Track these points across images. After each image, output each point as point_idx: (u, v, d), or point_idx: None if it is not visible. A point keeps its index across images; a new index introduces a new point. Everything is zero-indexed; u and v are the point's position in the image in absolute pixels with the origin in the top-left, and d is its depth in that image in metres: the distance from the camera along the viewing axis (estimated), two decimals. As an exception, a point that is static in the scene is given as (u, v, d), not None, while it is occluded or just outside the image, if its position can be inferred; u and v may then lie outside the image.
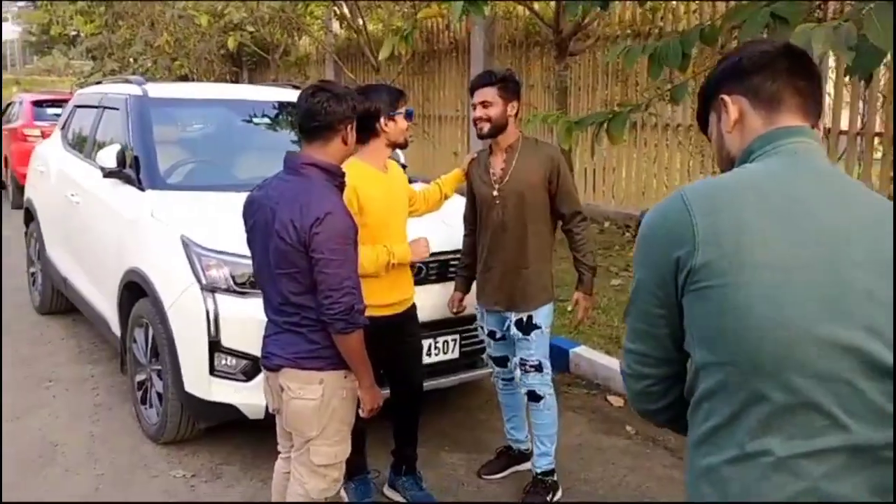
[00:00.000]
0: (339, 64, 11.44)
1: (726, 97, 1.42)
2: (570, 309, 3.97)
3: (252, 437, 3.91)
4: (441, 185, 3.63)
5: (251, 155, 4.81)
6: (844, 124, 6.51)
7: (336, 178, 2.65)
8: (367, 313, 2.99)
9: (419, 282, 3.48)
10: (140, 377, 4.11)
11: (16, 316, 6.14)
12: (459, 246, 3.72)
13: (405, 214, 3.36)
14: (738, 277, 1.20)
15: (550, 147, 3.48)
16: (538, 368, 3.39)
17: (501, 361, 3.58)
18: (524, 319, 3.37)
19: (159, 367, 3.86)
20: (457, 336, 3.92)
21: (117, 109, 5.01)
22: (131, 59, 15.49)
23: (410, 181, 3.67)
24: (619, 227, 8.29)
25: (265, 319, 2.72)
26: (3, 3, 28.19)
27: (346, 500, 3.37)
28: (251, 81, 15.57)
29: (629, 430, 4.19)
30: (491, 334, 3.54)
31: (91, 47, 17.45)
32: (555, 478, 3.51)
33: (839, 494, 1.18)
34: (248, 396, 3.50)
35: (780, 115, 1.38)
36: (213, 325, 3.51)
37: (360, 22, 9.31)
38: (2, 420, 4.11)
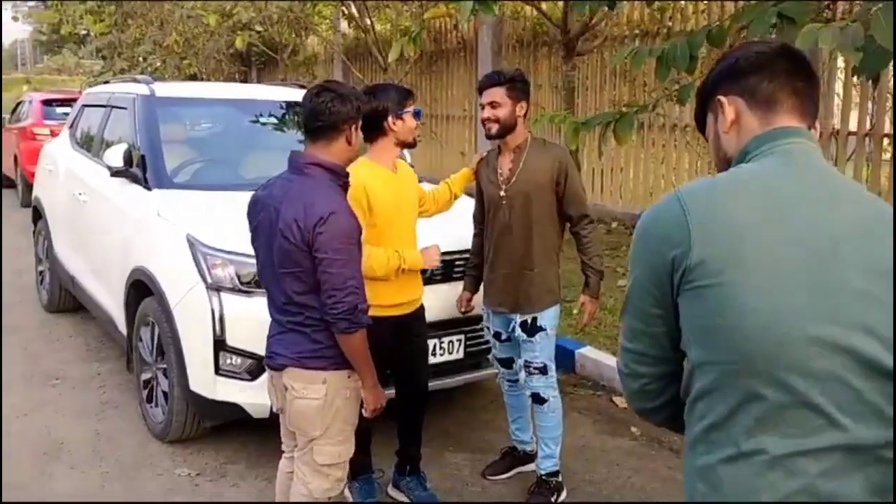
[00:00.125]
0: (347, 64, 11.46)
1: (723, 98, 1.43)
2: (575, 312, 3.96)
3: (257, 436, 3.92)
4: (450, 185, 3.62)
5: (258, 154, 4.82)
6: (853, 125, 6.48)
7: (340, 177, 2.65)
8: (376, 313, 3.01)
9: (425, 282, 3.48)
10: (146, 376, 4.13)
11: (24, 314, 6.17)
12: (465, 246, 3.71)
13: (415, 214, 3.35)
14: (732, 276, 1.20)
15: (559, 148, 3.46)
16: (543, 371, 3.38)
17: (507, 363, 3.58)
18: (529, 321, 3.36)
19: (165, 366, 3.87)
20: (462, 336, 3.92)
21: (125, 109, 5.03)
22: (141, 59, 15.55)
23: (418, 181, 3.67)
24: (626, 227, 8.27)
25: (270, 319, 2.73)
26: (15, 2, 28.34)
27: (351, 499, 3.38)
28: (260, 81, 15.60)
29: (634, 431, 4.18)
30: (496, 335, 3.54)
31: (100, 47, 17.52)
32: (559, 479, 3.51)
33: (836, 493, 1.18)
34: (253, 396, 3.50)
35: (776, 115, 1.38)
36: (219, 324, 3.52)
37: (368, 22, 9.32)
38: (1, 419, 4.12)
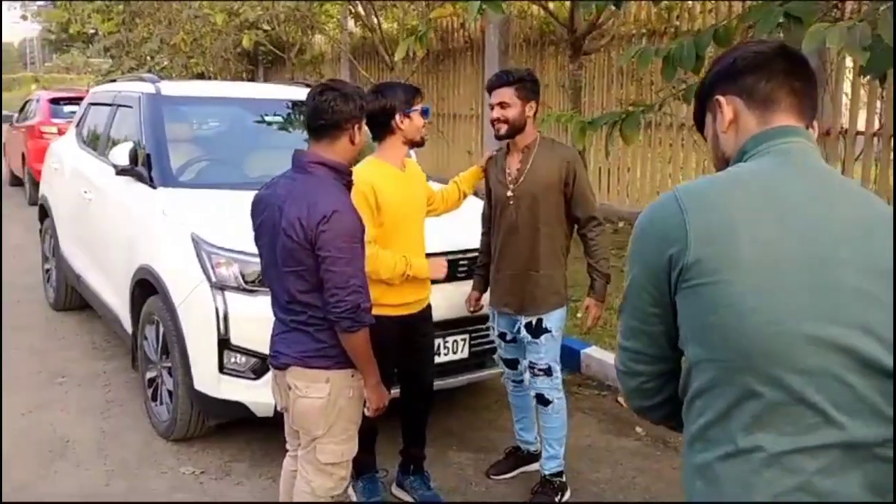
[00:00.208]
0: (354, 63, 11.46)
1: (721, 98, 1.43)
2: (578, 315, 3.95)
3: (261, 434, 3.92)
4: (459, 184, 3.61)
5: (263, 153, 4.82)
6: (861, 125, 6.44)
7: (344, 176, 2.64)
8: (383, 312, 3.03)
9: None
10: (151, 374, 4.14)
11: (31, 312, 6.19)
12: (469, 246, 3.70)
13: (422, 214, 3.34)
14: (729, 275, 1.21)
15: (567, 149, 3.43)
16: (547, 372, 3.37)
17: (512, 364, 3.57)
18: (534, 322, 3.35)
19: (170, 365, 3.87)
20: (466, 336, 3.91)
21: (131, 107, 5.04)
22: (149, 58, 15.58)
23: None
24: (633, 227, 8.24)
25: (274, 318, 2.72)
26: (24, 1, 28.42)
27: (355, 498, 3.38)
28: (267, 80, 15.62)
29: (639, 432, 4.17)
30: (501, 336, 3.52)
31: (108, 46, 17.56)
32: (563, 479, 3.50)
33: (833, 491, 1.18)
34: (257, 394, 3.50)
35: (774, 115, 1.38)
36: (223, 322, 3.52)
37: (375, 21, 9.31)
38: (2, 419, 4.13)
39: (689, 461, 1.31)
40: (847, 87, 6.51)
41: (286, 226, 2.50)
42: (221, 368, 3.55)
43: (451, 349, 3.87)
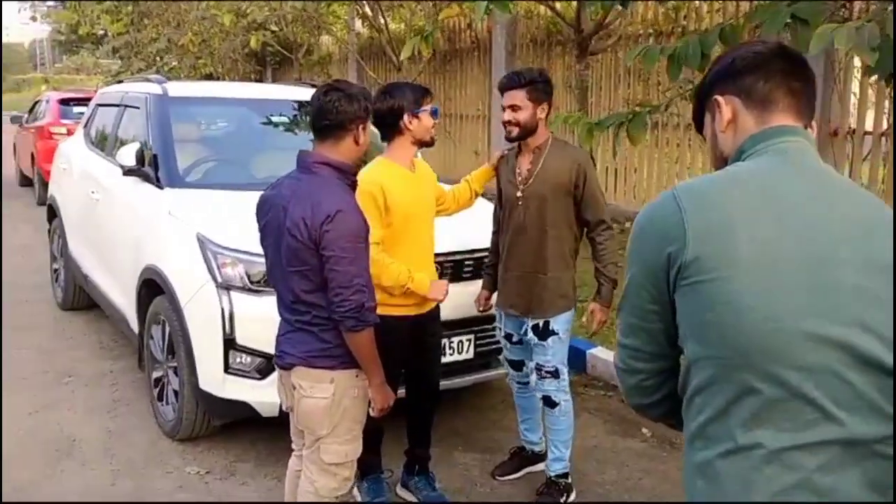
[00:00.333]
0: (361, 63, 11.47)
1: (719, 97, 1.44)
2: (584, 319, 3.94)
3: (267, 434, 3.93)
4: (471, 182, 3.59)
5: (269, 154, 4.83)
6: (869, 125, 6.41)
7: (348, 176, 2.65)
8: (391, 312, 3.03)
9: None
10: (157, 374, 4.15)
11: (39, 311, 6.22)
12: (473, 246, 3.70)
13: (432, 214, 3.32)
14: (727, 272, 1.22)
15: (579, 151, 3.40)
16: (554, 374, 3.35)
17: (517, 365, 3.56)
18: (541, 325, 3.33)
19: (175, 364, 3.88)
20: (471, 336, 3.91)
21: (138, 108, 5.06)
22: (158, 58, 15.65)
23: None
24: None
25: (279, 318, 2.73)
26: (34, 2, 28.55)
27: (360, 499, 3.38)
28: (275, 80, 15.64)
29: (645, 433, 4.16)
30: (508, 337, 3.51)
31: (118, 46, 17.64)
32: (569, 480, 3.49)
33: (833, 487, 1.19)
34: (263, 394, 3.51)
35: (772, 115, 1.39)
36: (228, 322, 3.53)
37: (382, 21, 9.31)
38: (2, 418, 4.15)
39: (689, 460, 1.31)
40: (855, 86, 6.47)
41: (291, 226, 2.50)
42: (227, 368, 3.56)
43: (457, 349, 3.87)
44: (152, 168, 4.44)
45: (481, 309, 3.66)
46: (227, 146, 5.08)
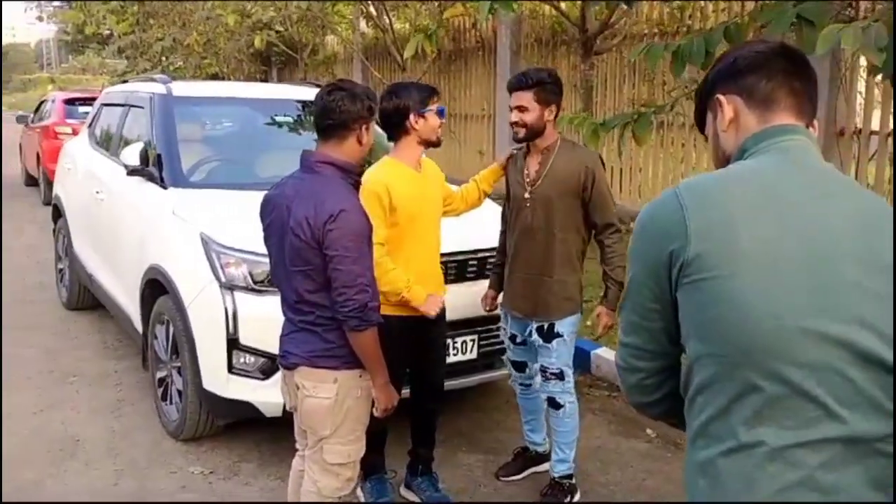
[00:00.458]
0: (366, 63, 11.47)
1: (721, 97, 1.44)
2: (588, 322, 3.92)
3: (271, 434, 3.93)
4: (479, 182, 3.55)
5: (273, 153, 4.82)
6: (875, 124, 6.38)
7: (351, 175, 2.64)
8: (395, 312, 3.02)
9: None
10: (161, 374, 4.15)
11: (44, 311, 6.23)
12: (480, 246, 3.68)
13: (438, 214, 3.30)
14: (729, 269, 1.22)
15: (588, 153, 3.34)
16: (559, 376, 3.34)
17: (520, 366, 3.55)
18: (545, 327, 3.31)
19: (179, 364, 3.88)
20: (475, 336, 3.90)
21: (142, 108, 5.06)
22: (163, 58, 15.68)
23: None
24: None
25: (283, 318, 2.72)
26: (40, 2, 28.63)
27: (363, 499, 3.37)
28: (280, 80, 15.66)
29: (649, 434, 4.14)
30: (512, 338, 3.50)
31: (123, 46, 17.67)
32: (573, 481, 3.48)
33: (836, 485, 1.18)
34: (266, 394, 3.51)
35: (774, 114, 1.39)
36: (232, 322, 3.52)
37: (387, 21, 9.31)
38: (2, 418, 4.15)
39: (691, 458, 1.31)
40: (861, 86, 6.45)
41: (294, 225, 2.50)
42: (230, 368, 3.55)
43: (460, 350, 3.86)
44: (156, 168, 4.44)
45: (487, 309, 3.64)
46: (231, 146, 5.09)
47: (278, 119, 5.10)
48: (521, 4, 8.32)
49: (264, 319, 3.40)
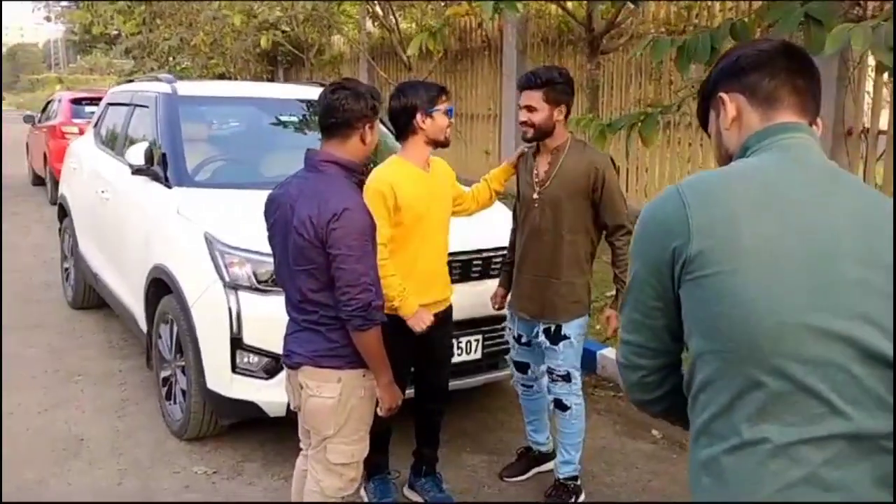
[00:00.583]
0: (372, 63, 11.47)
1: (724, 95, 1.45)
2: (598, 327, 3.90)
3: (275, 434, 3.92)
4: (489, 182, 3.52)
5: (278, 153, 4.81)
6: (883, 124, 6.34)
7: (355, 174, 2.63)
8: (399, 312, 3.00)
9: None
10: (165, 373, 4.14)
11: (49, 310, 6.24)
12: (482, 246, 3.66)
13: (446, 214, 3.27)
14: (731, 265, 1.22)
15: (598, 154, 3.30)
16: (566, 378, 3.31)
17: (522, 367, 3.53)
18: (552, 329, 3.29)
19: (183, 364, 3.88)
20: (480, 336, 3.89)
21: (147, 107, 5.06)
22: (170, 58, 15.71)
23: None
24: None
25: (286, 317, 2.71)
26: (48, 2, 28.73)
27: (366, 499, 3.36)
28: (286, 80, 15.67)
29: (655, 435, 4.12)
30: (517, 338, 3.48)
31: (130, 46, 17.71)
32: (578, 482, 3.46)
33: (841, 482, 1.18)
34: (270, 394, 3.50)
35: (776, 112, 1.40)
36: (236, 322, 3.52)
37: (393, 20, 9.30)
38: (2, 418, 4.15)
39: (694, 457, 1.31)
40: (869, 85, 6.41)
41: (297, 224, 2.49)
42: (234, 368, 3.55)
43: (465, 349, 3.85)
44: (161, 167, 4.43)
45: (497, 307, 3.62)
46: (236, 145, 5.08)
47: (283, 119, 5.09)
48: (526, 4, 8.31)
49: (268, 319, 3.39)
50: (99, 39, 24.87)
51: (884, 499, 1.20)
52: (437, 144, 3.18)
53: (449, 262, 3.53)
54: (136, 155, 4.45)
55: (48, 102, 14.11)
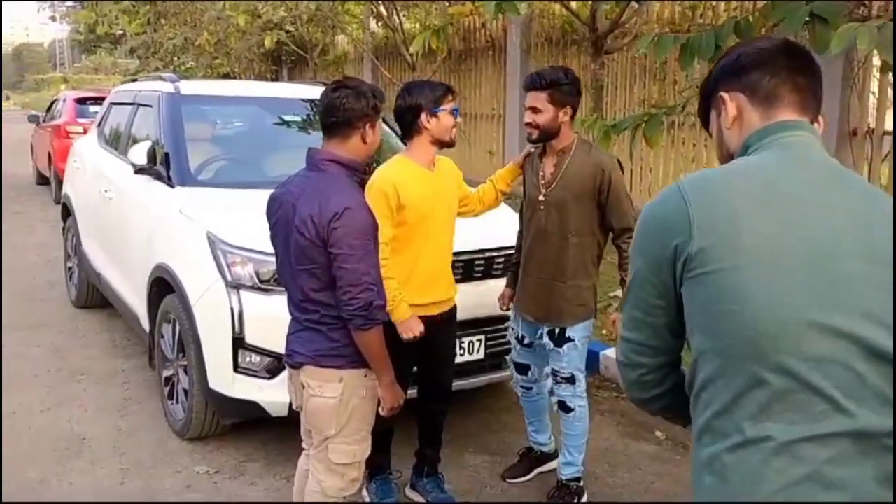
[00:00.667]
0: (376, 63, 11.46)
1: (725, 94, 1.45)
2: (603, 331, 3.89)
3: (277, 434, 3.91)
4: (495, 182, 3.50)
5: (281, 152, 4.80)
6: (889, 124, 6.31)
7: (357, 173, 2.62)
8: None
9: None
10: (167, 373, 4.14)
11: (53, 309, 6.24)
12: (484, 246, 3.65)
13: (451, 214, 3.25)
14: (732, 262, 1.22)
15: (605, 155, 3.27)
16: (570, 381, 3.30)
17: (522, 369, 3.51)
18: (557, 331, 3.27)
19: (186, 363, 3.87)
20: (482, 337, 3.87)
21: (150, 106, 5.06)
22: (175, 58, 15.74)
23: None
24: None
25: (289, 317, 2.70)
26: (53, 2, 28.81)
27: (368, 499, 3.35)
28: (291, 80, 15.68)
29: (658, 436, 4.10)
30: (520, 339, 3.46)
31: (135, 46, 17.76)
32: (580, 483, 3.45)
33: (844, 481, 1.17)
34: (271, 394, 3.49)
35: (777, 111, 1.40)
36: (238, 321, 3.51)
37: (397, 20, 9.29)
38: (2, 418, 4.15)
39: (697, 456, 1.30)
40: (874, 86, 6.38)
41: (299, 223, 2.48)
42: (236, 368, 3.54)
43: (467, 350, 3.83)
44: (164, 166, 4.43)
45: (504, 308, 3.60)
46: (239, 145, 5.08)
47: (286, 118, 5.09)
48: (530, 4, 8.29)
49: (270, 319, 3.39)
50: (104, 39, 24.93)
51: (887, 498, 1.19)
52: (443, 144, 3.16)
53: (452, 263, 3.52)
54: (139, 154, 4.45)
55: (53, 102, 14.14)
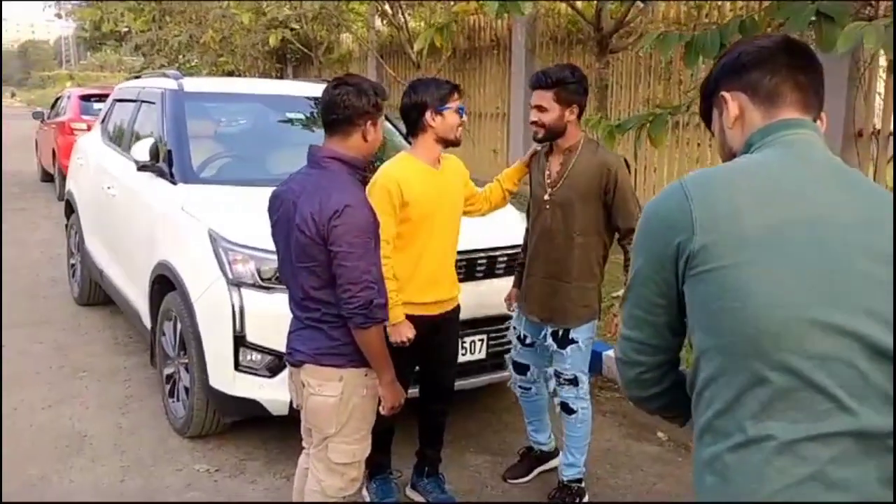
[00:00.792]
0: (381, 61, 11.45)
1: (726, 94, 1.44)
2: (608, 335, 3.86)
3: (277, 432, 3.90)
4: (502, 182, 3.48)
5: (284, 150, 4.79)
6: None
7: (359, 171, 2.61)
8: (406, 311, 2.97)
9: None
10: (168, 370, 4.13)
11: (56, 306, 6.24)
12: (486, 245, 3.63)
13: (456, 213, 3.24)
14: (735, 259, 1.21)
15: (612, 155, 3.23)
16: (573, 382, 3.28)
17: (522, 368, 3.49)
18: (560, 332, 3.25)
19: (187, 361, 3.86)
20: (484, 336, 3.86)
21: (154, 103, 5.05)
22: (180, 56, 15.75)
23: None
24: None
25: (290, 315, 2.69)
26: (59, 0, 28.82)
27: (368, 499, 3.34)
28: (295, 78, 15.67)
29: (661, 437, 4.09)
30: (522, 338, 3.44)
31: (140, 44, 17.76)
32: (582, 484, 3.43)
33: (847, 481, 1.16)
34: (272, 392, 3.48)
35: (779, 109, 1.39)
36: (239, 319, 3.50)
37: (402, 19, 9.27)
38: (2, 417, 4.14)
39: (698, 455, 1.29)
40: (880, 86, 6.35)
41: (300, 221, 2.47)
42: (237, 366, 3.53)
43: (469, 349, 3.82)
44: (166, 163, 4.42)
45: (511, 308, 3.58)
46: (242, 142, 5.07)
47: (289, 115, 5.07)
48: (534, 3, 8.27)
49: (271, 316, 3.38)
50: (109, 37, 24.96)
51: (889, 498, 1.18)
52: (448, 143, 3.14)
53: (455, 262, 3.51)
54: (142, 151, 4.44)
55: (57, 99, 14.16)
